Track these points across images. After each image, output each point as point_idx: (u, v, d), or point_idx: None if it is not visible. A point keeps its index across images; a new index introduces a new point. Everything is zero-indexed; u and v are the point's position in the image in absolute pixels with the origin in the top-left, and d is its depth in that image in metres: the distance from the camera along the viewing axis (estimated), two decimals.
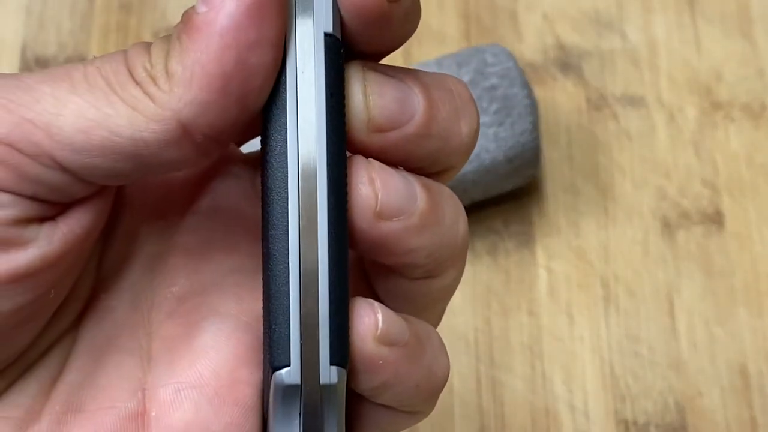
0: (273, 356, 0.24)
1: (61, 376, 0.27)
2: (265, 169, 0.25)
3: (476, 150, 0.45)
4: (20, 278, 0.24)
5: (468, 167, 0.45)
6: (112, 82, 0.24)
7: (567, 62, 0.52)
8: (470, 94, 0.27)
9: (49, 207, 0.25)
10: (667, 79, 0.52)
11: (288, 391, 0.24)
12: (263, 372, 0.26)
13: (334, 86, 0.24)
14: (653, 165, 0.50)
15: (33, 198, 0.24)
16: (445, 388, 0.27)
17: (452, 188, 0.45)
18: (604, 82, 0.52)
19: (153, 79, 0.24)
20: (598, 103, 0.51)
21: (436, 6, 0.52)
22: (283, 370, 0.24)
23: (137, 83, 0.24)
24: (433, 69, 0.46)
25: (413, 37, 0.26)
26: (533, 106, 0.46)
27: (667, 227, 0.49)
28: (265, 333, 0.25)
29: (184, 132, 0.24)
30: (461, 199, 0.30)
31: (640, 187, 0.49)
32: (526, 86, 0.46)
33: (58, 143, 0.24)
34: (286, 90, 0.24)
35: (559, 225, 0.49)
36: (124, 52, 0.25)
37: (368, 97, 0.25)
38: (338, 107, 0.25)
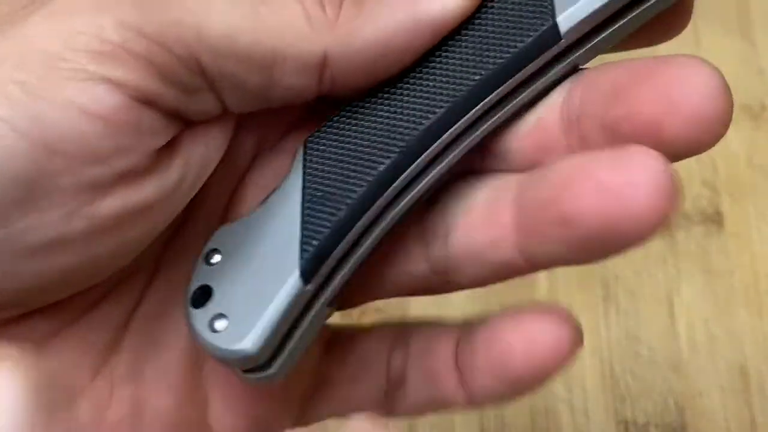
0: None
1: (139, 306, 0.27)
2: None
3: None
4: (148, 208, 0.24)
5: None
6: None
7: None
8: None
9: (177, 126, 0.24)
10: None
11: None
12: None
13: None
14: None
15: (167, 111, 0.23)
16: None
17: None
18: None
19: (321, 5, 0.24)
20: None
21: None
22: None
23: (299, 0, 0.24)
24: None
25: None
26: None
27: (667, 227, 0.49)
28: None
29: (322, 66, 0.24)
30: None
31: None
32: None
33: (205, 46, 0.23)
34: None
35: None
36: None
37: None
38: None
